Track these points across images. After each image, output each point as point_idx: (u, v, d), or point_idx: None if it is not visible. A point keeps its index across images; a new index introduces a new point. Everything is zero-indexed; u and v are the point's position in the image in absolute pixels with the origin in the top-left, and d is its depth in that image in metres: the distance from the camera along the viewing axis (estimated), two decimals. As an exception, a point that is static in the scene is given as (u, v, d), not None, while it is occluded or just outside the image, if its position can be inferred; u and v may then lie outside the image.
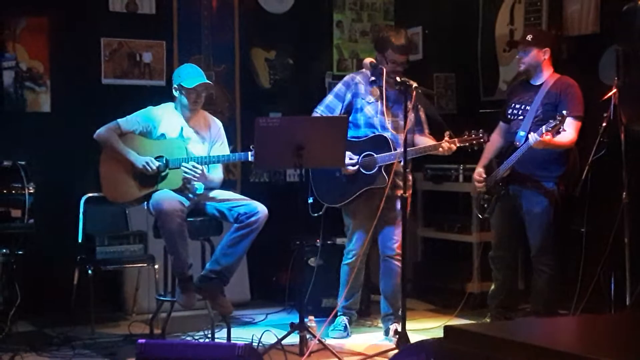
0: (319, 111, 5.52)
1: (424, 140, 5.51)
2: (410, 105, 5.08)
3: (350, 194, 5.43)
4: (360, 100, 5.49)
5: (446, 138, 5.25)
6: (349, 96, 5.51)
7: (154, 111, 5.33)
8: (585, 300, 5.30)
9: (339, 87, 5.57)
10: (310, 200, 5.52)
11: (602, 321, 3.02)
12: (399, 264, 5.47)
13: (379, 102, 5.45)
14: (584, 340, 2.50)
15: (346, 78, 5.61)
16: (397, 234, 5.46)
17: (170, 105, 5.38)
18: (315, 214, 5.54)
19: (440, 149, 5.28)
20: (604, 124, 5.16)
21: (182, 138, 5.29)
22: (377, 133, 5.41)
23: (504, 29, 6.66)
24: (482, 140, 5.31)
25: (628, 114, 5.10)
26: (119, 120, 5.26)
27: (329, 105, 5.52)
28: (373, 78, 5.47)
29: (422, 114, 5.56)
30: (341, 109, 5.50)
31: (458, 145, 5.28)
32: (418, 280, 6.94)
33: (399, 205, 5.42)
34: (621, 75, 5.20)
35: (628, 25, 5.34)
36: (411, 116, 5.34)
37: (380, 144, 5.38)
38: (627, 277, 5.08)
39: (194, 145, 5.30)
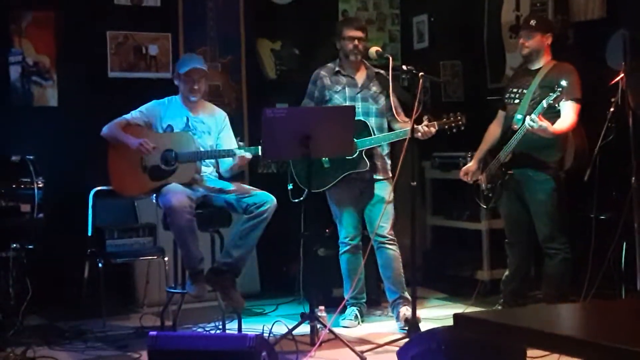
0: None
1: (400, 125, 5.54)
2: (417, 93, 5.08)
3: (331, 180, 5.49)
4: (328, 92, 5.59)
5: (425, 122, 5.23)
6: (316, 93, 5.62)
7: (159, 103, 5.37)
8: (595, 286, 5.29)
9: (309, 86, 5.69)
10: (290, 187, 5.57)
11: (613, 307, 3.02)
12: (393, 247, 5.56)
13: (347, 88, 5.55)
14: (595, 326, 2.50)
15: (312, 76, 5.70)
16: (385, 219, 5.50)
17: (174, 98, 5.41)
18: (296, 200, 5.56)
19: (419, 134, 5.25)
20: (612, 109, 5.15)
21: (188, 129, 5.30)
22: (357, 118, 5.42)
23: (510, 15, 6.64)
24: (460, 122, 5.28)
25: (636, 99, 5.08)
26: (125, 115, 5.28)
27: (304, 106, 5.63)
28: (337, 69, 5.59)
29: (394, 99, 5.54)
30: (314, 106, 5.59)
31: (437, 128, 5.27)
32: (428, 268, 6.94)
33: (384, 190, 5.54)
34: (628, 60, 5.18)
35: (635, 9, 5.32)
36: (384, 102, 5.55)
37: (360, 128, 5.41)
38: (637, 262, 5.07)
39: (201, 136, 5.31)
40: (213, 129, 5.39)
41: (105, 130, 5.26)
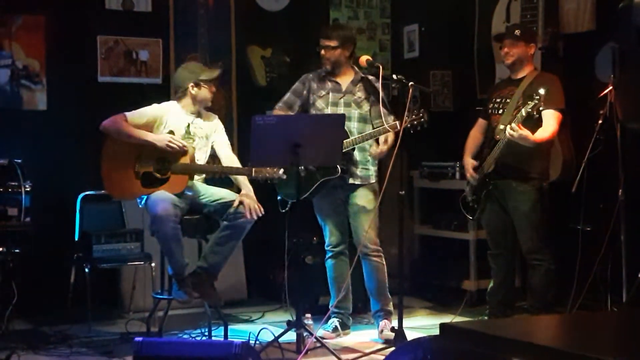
0: (277, 107, 5.63)
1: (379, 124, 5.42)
2: (406, 102, 5.09)
3: (307, 188, 5.41)
4: (312, 95, 5.58)
5: (387, 125, 5.23)
6: (305, 93, 5.60)
7: (160, 107, 5.31)
8: (581, 298, 5.30)
9: (297, 84, 5.66)
10: (280, 197, 5.55)
11: (599, 318, 3.03)
12: (377, 259, 5.50)
13: (330, 93, 5.52)
14: (581, 338, 2.50)
15: (302, 77, 5.68)
16: (369, 229, 5.42)
17: (174, 104, 5.34)
18: (284, 210, 5.55)
19: (382, 137, 5.26)
20: (600, 121, 5.18)
21: (188, 135, 5.27)
22: None
23: (500, 26, 6.66)
24: (422, 119, 5.21)
25: (624, 111, 5.11)
26: (125, 113, 5.20)
27: (287, 102, 5.61)
28: (324, 74, 5.56)
29: (381, 106, 5.43)
30: (299, 105, 5.59)
31: (400, 128, 5.16)
32: (415, 278, 6.95)
33: (364, 198, 5.47)
34: (617, 73, 5.21)
35: (624, 22, 5.35)
36: (369, 107, 5.49)
37: None
38: (624, 274, 5.09)
39: (199, 141, 5.30)
40: (209, 134, 5.39)
41: (105, 126, 5.15)
